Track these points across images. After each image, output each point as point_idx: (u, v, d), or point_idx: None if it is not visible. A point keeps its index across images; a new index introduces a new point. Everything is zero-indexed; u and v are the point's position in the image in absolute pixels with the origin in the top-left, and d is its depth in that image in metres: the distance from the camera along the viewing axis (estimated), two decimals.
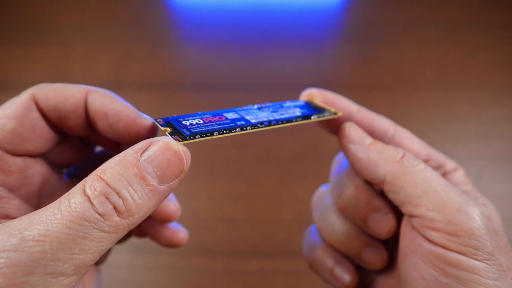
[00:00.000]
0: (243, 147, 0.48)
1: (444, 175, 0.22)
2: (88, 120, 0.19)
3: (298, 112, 0.22)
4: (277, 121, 0.20)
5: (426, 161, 0.22)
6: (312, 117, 0.22)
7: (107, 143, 0.22)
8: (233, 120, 0.19)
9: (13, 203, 0.18)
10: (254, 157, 0.48)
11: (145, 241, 0.31)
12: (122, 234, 0.15)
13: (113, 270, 0.40)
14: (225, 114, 0.20)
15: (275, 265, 0.41)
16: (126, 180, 0.15)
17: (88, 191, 0.14)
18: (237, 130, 0.18)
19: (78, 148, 0.22)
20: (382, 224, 0.22)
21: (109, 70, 0.55)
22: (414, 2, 0.62)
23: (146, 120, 0.19)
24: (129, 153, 0.15)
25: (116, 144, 0.22)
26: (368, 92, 0.53)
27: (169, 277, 0.41)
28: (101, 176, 0.14)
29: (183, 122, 0.18)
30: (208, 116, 0.19)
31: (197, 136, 0.17)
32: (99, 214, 0.14)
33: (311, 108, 0.23)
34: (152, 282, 0.40)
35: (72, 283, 0.14)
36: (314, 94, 0.24)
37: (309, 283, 0.40)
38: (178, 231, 0.24)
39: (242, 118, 0.20)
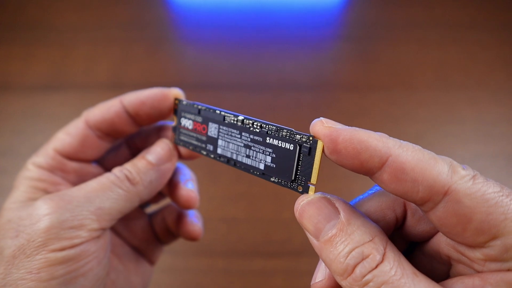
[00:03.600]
0: None
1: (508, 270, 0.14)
2: (131, 117, 0.25)
3: (265, 163, 0.19)
4: (235, 164, 0.20)
5: (484, 245, 0.14)
6: (272, 180, 0.19)
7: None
8: (208, 139, 0.22)
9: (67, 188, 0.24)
10: None
11: None
12: (134, 198, 0.23)
13: None
14: (210, 125, 0.22)
15: (275, 265, 0.41)
16: (134, 164, 0.24)
17: (113, 170, 0.23)
18: (203, 153, 0.23)
19: (126, 157, 0.28)
20: None
21: (109, 70, 0.55)
22: (414, 2, 0.62)
23: (171, 89, 0.25)
24: (142, 151, 0.25)
25: None
26: (368, 92, 0.53)
27: (169, 277, 0.41)
28: (123, 165, 0.24)
29: (181, 121, 0.24)
30: (199, 120, 0.23)
31: (180, 144, 0.24)
32: (117, 177, 0.22)
33: (286, 165, 0.18)
34: (152, 282, 0.40)
35: (93, 222, 0.21)
36: (318, 134, 0.16)
37: (309, 283, 0.40)
38: (195, 225, 0.28)
39: (215, 141, 0.21)
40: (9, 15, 0.61)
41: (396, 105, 0.52)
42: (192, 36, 0.60)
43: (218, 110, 0.21)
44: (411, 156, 0.14)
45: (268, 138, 0.19)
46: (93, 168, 0.26)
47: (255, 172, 0.19)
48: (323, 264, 0.17)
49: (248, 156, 0.20)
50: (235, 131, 0.20)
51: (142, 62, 0.56)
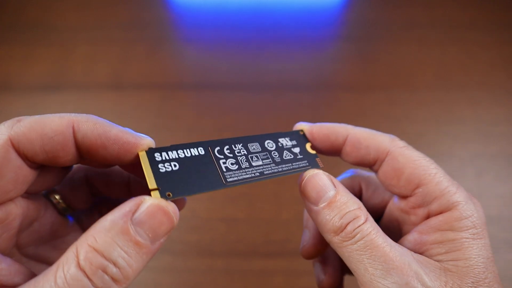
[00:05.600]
0: None
1: (428, 216, 0.20)
2: (79, 151, 0.17)
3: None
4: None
5: (412, 193, 0.20)
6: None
7: (116, 191, 0.22)
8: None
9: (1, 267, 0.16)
10: None
11: None
12: None
13: None
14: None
15: (275, 265, 0.41)
16: (120, 247, 0.14)
17: (83, 264, 0.13)
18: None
19: (59, 173, 0.20)
20: None
21: (109, 70, 0.55)
22: (414, 2, 0.62)
23: (148, 140, 0.18)
24: (118, 217, 0.15)
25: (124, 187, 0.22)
26: (368, 92, 0.53)
27: (169, 277, 0.41)
28: (94, 246, 0.14)
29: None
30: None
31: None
32: None
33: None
34: (152, 282, 0.40)
35: None
36: (304, 129, 0.23)
37: (309, 283, 0.40)
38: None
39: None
40: (9, 15, 0.61)
41: (396, 105, 0.52)
42: (192, 36, 0.60)
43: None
44: (363, 132, 0.22)
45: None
46: (17, 207, 0.17)
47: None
48: (305, 234, 0.25)
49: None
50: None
51: (142, 62, 0.56)
